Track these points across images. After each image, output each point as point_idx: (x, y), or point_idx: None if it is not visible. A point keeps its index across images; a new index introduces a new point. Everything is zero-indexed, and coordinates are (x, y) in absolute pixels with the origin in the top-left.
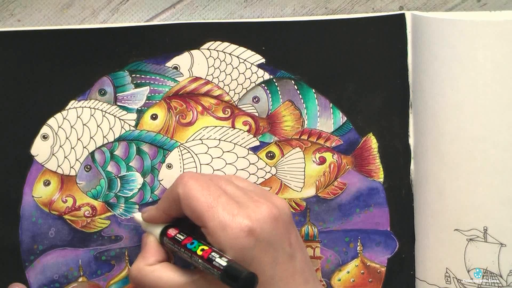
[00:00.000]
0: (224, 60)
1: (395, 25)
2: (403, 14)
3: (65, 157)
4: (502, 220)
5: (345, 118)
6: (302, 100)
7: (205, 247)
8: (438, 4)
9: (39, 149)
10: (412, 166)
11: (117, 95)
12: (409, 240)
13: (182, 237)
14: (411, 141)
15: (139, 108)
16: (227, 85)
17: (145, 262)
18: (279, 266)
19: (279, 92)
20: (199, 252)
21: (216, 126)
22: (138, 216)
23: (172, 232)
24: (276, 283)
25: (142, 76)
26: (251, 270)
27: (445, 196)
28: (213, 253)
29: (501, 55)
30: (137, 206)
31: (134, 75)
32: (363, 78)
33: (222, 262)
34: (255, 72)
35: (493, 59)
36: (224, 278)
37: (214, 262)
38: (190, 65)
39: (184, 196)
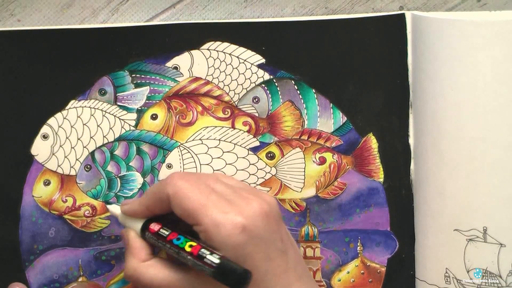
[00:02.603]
0: (224, 61)
1: (395, 25)
2: (403, 14)
3: (65, 156)
4: (502, 220)
5: (345, 118)
6: (302, 100)
7: (193, 243)
8: (438, 4)
9: (39, 148)
10: (412, 166)
11: (117, 95)
12: (409, 240)
13: (166, 232)
14: (411, 141)
15: (139, 108)
16: (227, 85)
17: (138, 259)
18: (272, 262)
19: (279, 92)
20: (188, 249)
21: (216, 127)
22: (114, 208)
23: (155, 227)
24: (270, 279)
25: (142, 76)
26: (245, 267)
27: (445, 196)
28: (203, 250)
29: (501, 55)
30: None
31: (134, 75)
32: (363, 78)
33: (214, 259)
34: (255, 72)
35: (493, 59)
36: (217, 276)
37: (205, 259)
38: (190, 65)
39: (174, 195)
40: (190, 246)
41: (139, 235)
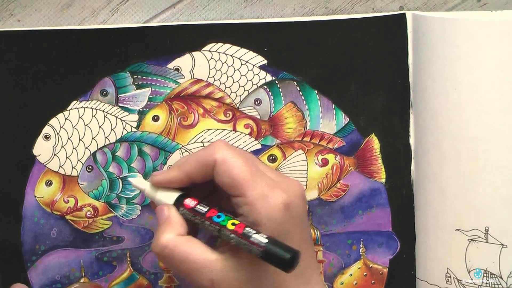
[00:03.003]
0: (225, 62)
1: (395, 25)
2: (404, 14)
3: (67, 157)
4: (504, 220)
5: (348, 119)
6: (304, 102)
7: (236, 221)
8: (438, 4)
9: (41, 149)
10: (412, 166)
11: (118, 96)
12: (410, 240)
13: (204, 209)
14: (411, 141)
15: (141, 110)
16: (229, 87)
17: (176, 232)
18: (304, 245)
19: (281, 93)
20: (231, 227)
21: (217, 129)
22: (138, 182)
23: (190, 203)
24: (302, 261)
25: (144, 77)
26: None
27: (446, 196)
28: (247, 228)
29: (501, 55)
30: (139, 207)
31: (135, 76)
32: (364, 78)
33: (262, 238)
34: (257, 74)
35: (494, 59)
36: (265, 256)
37: (251, 238)
38: (191, 67)
39: (222, 162)
40: (233, 224)
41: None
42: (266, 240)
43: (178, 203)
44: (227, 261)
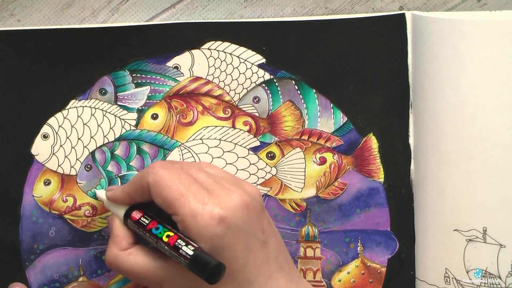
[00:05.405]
0: (224, 60)
1: (395, 25)
2: (403, 14)
3: (66, 156)
4: (502, 221)
5: (346, 118)
6: (302, 100)
7: (171, 233)
8: (438, 4)
9: (40, 148)
10: (412, 166)
11: (117, 94)
12: (409, 240)
13: (146, 221)
14: (411, 141)
15: (140, 108)
16: (228, 85)
17: (119, 247)
18: (252, 253)
19: (279, 92)
20: (165, 239)
21: (216, 126)
22: (101, 193)
23: (136, 215)
24: (249, 270)
25: (143, 75)
26: (221, 259)
27: (444, 196)
28: (179, 240)
29: (501, 55)
30: None
31: (134, 75)
32: (363, 78)
33: (189, 250)
34: (256, 72)
35: (493, 59)
36: (191, 267)
37: (180, 251)
38: (190, 64)
39: (154, 184)
40: (168, 236)
41: (123, 222)
42: (192, 252)
43: (128, 215)
44: (170, 268)
